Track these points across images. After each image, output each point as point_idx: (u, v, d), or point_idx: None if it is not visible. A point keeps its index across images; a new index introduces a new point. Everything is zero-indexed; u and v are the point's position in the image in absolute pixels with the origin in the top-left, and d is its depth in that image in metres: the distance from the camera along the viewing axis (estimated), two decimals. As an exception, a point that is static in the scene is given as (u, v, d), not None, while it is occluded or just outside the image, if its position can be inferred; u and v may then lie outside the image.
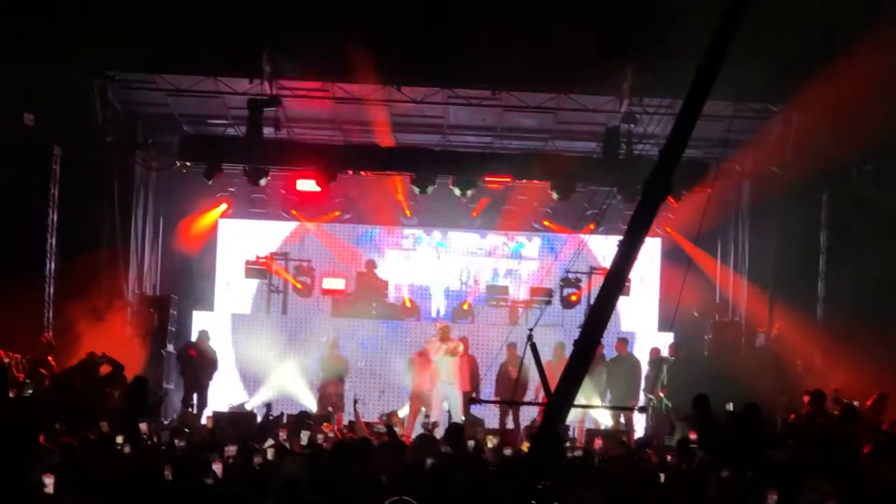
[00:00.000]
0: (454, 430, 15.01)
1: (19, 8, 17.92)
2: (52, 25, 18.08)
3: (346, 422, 19.63)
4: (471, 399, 19.38)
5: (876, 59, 16.51)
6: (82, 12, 18.09)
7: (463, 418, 19.09)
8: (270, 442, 14.02)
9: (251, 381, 22.52)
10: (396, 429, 17.98)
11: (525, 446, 14.66)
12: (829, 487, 10.07)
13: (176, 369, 21.53)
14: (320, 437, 15.69)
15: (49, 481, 9.79)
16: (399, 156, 21.82)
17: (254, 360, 22.55)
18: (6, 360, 16.39)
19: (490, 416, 21.16)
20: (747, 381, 18.74)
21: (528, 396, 20.30)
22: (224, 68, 19.86)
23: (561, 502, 10.02)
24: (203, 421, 18.57)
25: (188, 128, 22.60)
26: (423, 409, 20.36)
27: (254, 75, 19.87)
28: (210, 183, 22.10)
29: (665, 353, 21.09)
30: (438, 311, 24.68)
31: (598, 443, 16.16)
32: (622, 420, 19.90)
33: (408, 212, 24.51)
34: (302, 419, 17.38)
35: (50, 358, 17.46)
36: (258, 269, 23.96)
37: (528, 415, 20.18)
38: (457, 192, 21.91)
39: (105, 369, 16.51)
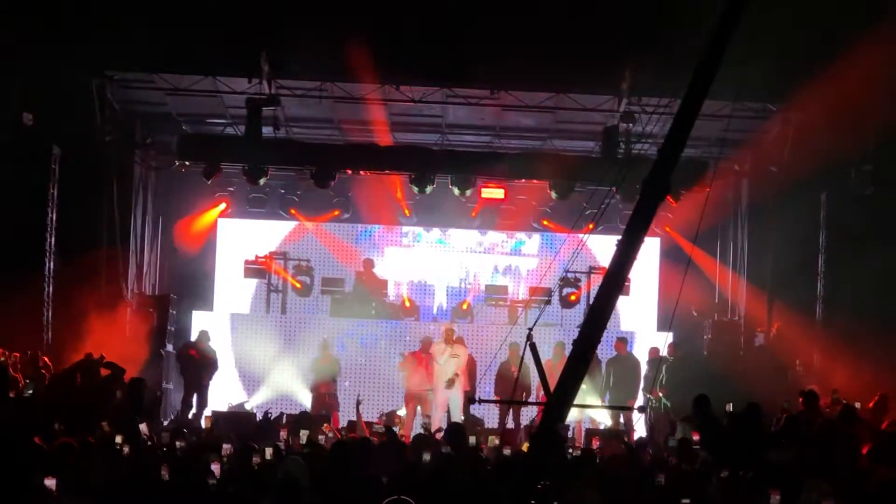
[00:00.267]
0: (454, 429, 15.00)
1: (18, 7, 17.91)
2: (51, 25, 18.07)
3: (343, 422, 19.65)
4: (470, 399, 19.37)
5: (875, 58, 16.51)
6: (81, 12, 18.09)
7: (462, 418, 19.09)
8: (270, 442, 14.01)
9: (250, 381, 22.53)
10: (396, 428, 18.01)
11: (525, 446, 14.65)
12: (828, 487, 10.07)
13: (175, 369, 21.53)
14: (320, 437, 15.69)
15: (50, 483, 9.79)
16: (398, 155, 21.83)
17: (253, 360, 22.56)
18: (4, 360, 16.38)
19: (490, 415, 21.17)
20: (746, 381, 18.76)
21: (530, 397, 20.32)
22: (223, 68, 19.88)
23: (560, 502, 10.02)
24: (202, 421, 18.57)
25: (187, 127, 22.60)
26: (419, 408, 20.40)
27: (252, 75, 19.89)
28: (209, 182, 22.12)
29: (664, 352, 21.09)
30: (438, 311, 24.69)
31: (597, 442, 16.15)
32: (621, 420, 19.90)
33: (406, 211, 24.51)
34: (301, 419, 17.39)
35: (46, 359, 17.45)
36: (257, 268, 23.96)
37: (529, 415, 20.19)
38: (456, 191, 21.93)
39: (104, 372, 16.49)
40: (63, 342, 18.90)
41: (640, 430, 19.59)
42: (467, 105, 21.11)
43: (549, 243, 25.10)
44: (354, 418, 19.38)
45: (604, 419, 20.16)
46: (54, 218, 20.08)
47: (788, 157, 20.94)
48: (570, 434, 18.05)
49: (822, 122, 18.57)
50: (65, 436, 12.14)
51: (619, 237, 7.65)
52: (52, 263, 19.96)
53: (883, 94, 17.45)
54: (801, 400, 15.65)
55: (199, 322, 22.57)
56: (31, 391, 15.58)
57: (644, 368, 20.99)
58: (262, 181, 21.60)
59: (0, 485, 9.86)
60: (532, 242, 25.34)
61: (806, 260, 21.21)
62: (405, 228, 25.14)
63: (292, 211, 24.57)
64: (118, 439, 13.08)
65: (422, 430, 17.48)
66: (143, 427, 14.15)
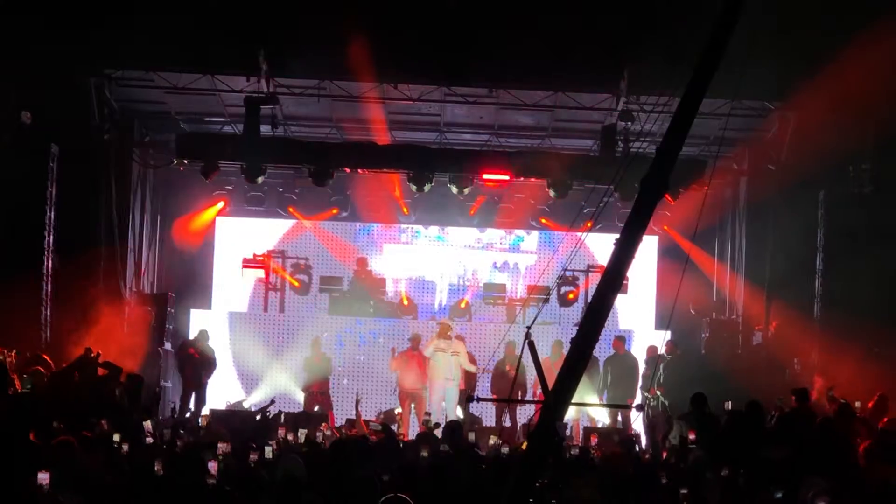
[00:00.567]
0: (452, 428, 15.02)
1: (17, 6, 17.90)
2: (49, 23, 18.06)
3: (339, 421, 19.69)
4: (468, 397, 19.39)
5: (874, 57, 16.52)
6: (80, 10, 18.08)
7: (459, 416, 19.10)
8: (269, 440, 14.02)
9: (248, 380, 22.54)
10: (395, 426, 18.02)
11: (524, 444, 14.66)
12: (825, 485, 10.08)
13: (174, 367, 21.53)
14: (318, 435, 15.71)
15: (43, 477, 9.78)
16: (396, 154, 21.82)
17: (251, 359, 22.57)
18: (2, 358, 16.36)
19: (487, 414, 21.19)
20: (744, 380, 18.79)
21: (526, 395, 20.33)
22: (221, 66, 19.88)
23: (559, 500, 10.03)
24: (200, 419, 18.57)
25: (185, 126, 22.60)
26: (414, 406, 20.41)
27: (251, 73, 19.89)
28: (207, 181, 22.12)
29: (662, 351, 21.10)
30: (436, 309, 24.70)
31: (595, 440, 16.18)
32: (619, 418, 19.91)
33: (405, 209, 24.52)
34: (300, 418, 17.41)
35: (47, 357, 17.43)
36: (255, 266, 23.97)
37: (526, 413, 20.21)
38: (454, 190, 21.93)
39: (101, 372, 16.47)
40: (62, 340, 18.88)
41: (637, 428, 19.61)
42: (466, 104, 21.11)
43: (548, 240, 25.13)
44: (353, 416, 19.44)
45: (602, 417, 20.19)
46: (53, 216, 20.06)
47: (787, 156, 20.95)
48: (567, 432, 18.08)
49: (820, 120, 18.57)
50: (63, 433, 12.14)
51: (618, 236, 7.65)
52: (50, 262, 19.94)
53: (881, 93, 17.46)
54: (793, 398, 15.64)
55: (198, 320, 22.58)
56: (29, 386, 15.52)
57: (642, 367, 21.00)
58: (260, 180, 21.61)
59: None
60: (531, 239, 25.36)
61: (804, 258, 21.21)
62: (404, 225, 25.16)
63: (290, 209, 24.59)
64: (116, 437, 13.08)
65: (423, 428, 17.47)
66: (146, 424, 14.16)
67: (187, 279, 24.15)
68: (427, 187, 21.68)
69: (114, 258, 21.26)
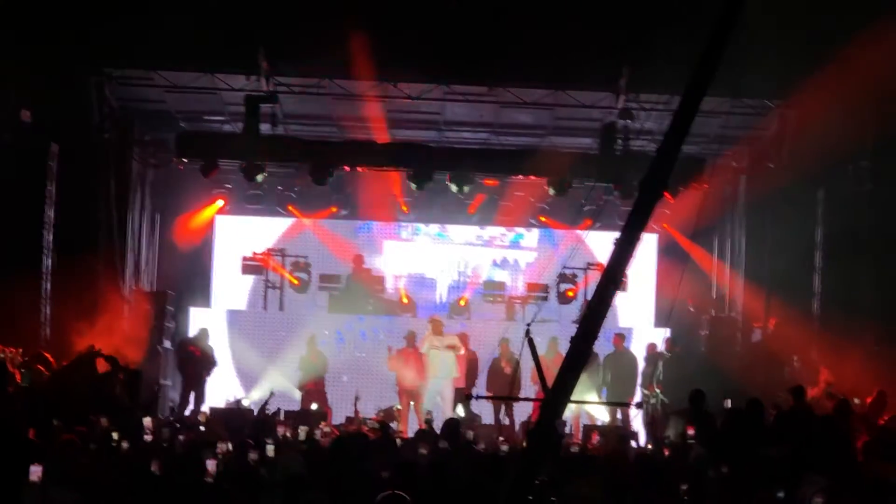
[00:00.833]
0: (451, 425, 15.04)
1: (17, 4, 17.91)
2: (49, 22, 18.07)
3: (336, 418, 19.72)
4: (467, 395, 19.40)
5: (873, 55, 16.53)
6: (80, 9, 18.08)
7: (450, 414, 19.12)
8: (270, 438, 14.03)
9: (248, 378, 22.55)
10: (394, 424, 18.05)
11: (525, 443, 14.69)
12: (824, 482, 10.10)
13: (173, 366, 21.55)
14: (317, 432, 15.72)
15: (36, 470, 9.79)
16: (395, 152, 21.83)
17: (250, 357, 22.58)
18: (2, 356, 16.38)
19: (485, 412, 21.20)
20: (743, 377, 18.81)
21: (520, 392, 20.32)
22: (221, 65, 19.88)
23: (559, 498, 10.05)
24: (199, 417, 18.59)
25: (185, 124, 22.60)
26: (412, 403, 20.43)
27: (251, 72, 19.90)
28: (207, 179, 22.12)
29: (661, 348, 21.13)
30: (436, 306, 24.70)
31: (595, 438, 16.20)
32: (619, 416, 19.93)
33: (404, 208, 24.53)
34: (300, 415, 17.43)
35: (48, 355, 17.45)
36: (255, 265, 23.98)
37: (524, 410, 20.23)
38: (453, 188, 21.94)
39: (102, 367, 16.49)
40: (61, 338, 18.89)
41: (637, 425, 19.63)
42: (465, 102, 21.12)
43: (549, 236, 25.15)
44: (351, 414, 19.46)
45: (601, 415, 20.20)
46: (52, 215, 20.08)
47: (786, 154, 20.96)
48: (567, 430, 18.09)
49: (820, 118, 18.58)
50: (64, 431, 12.16)
51: (617, 236, 7.67)
52: (50, 260, 19.96)
53: (881, 91, 17.48)
54: (790, 397, 15.63)
55: (197, 319, 22.60)
56: (27, 382, 15.52)
57: (641, 364, 21.02)
58: (259, 178, 21.62)
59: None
60: (531, 235, 25.37)
61: (803, 256, 21.24)
62: (403, 223, 25.17)
63: (290, 208, 24.59)
64: (115, 435, 13.10)
65: (423, 426, 17.48)
66: (146, 421, 14.17)
67: (187, 277, 24.15)
68: (427, 185, 21.70)
69: (113, 256, 21.27)
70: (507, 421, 20.33)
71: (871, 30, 16.44)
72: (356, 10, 17.96)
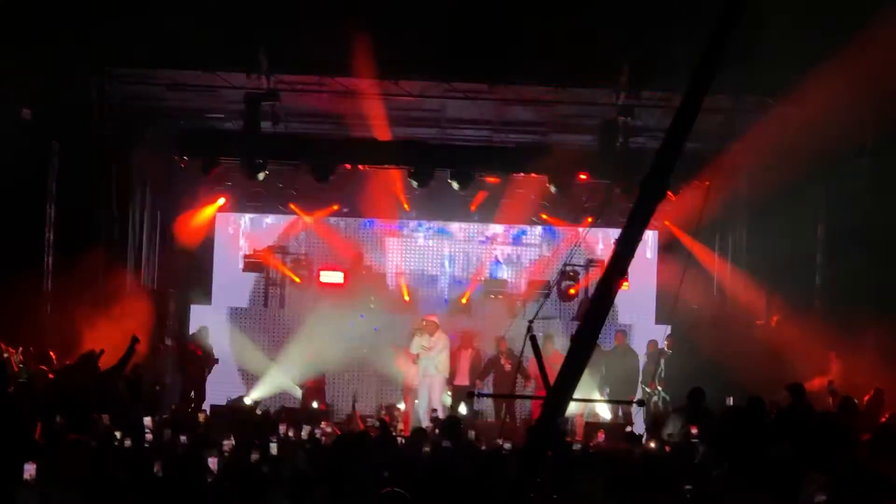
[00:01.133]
0: (452, 423, 15.05)
1: (17, 4, 17.89)
2: (49, 20, 18.06)
3: (337, 417, 19.74)
4: (469, 393, 19.41)
5: (874, 52, 16.50)
6: (80, 7, 18.07)
7: (437, 405, 19.16)
8: (272, 437, 14.04)
9: (249, 376, 22.57)
10: (397, 422, 18.05)
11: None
12: (827, 480, 10.10)
13: (173, 363, 21.55)
14: (317, 431, 15.73)
15: (30, 468, 9.79)
16: (397, 150, 21.83)
17: (252, 354, 22.60)
18: (6, 355, 16.38)
19: (486, 410, 21.21)
20: (744, 374, 18.78)
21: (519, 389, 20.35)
22: (222, 63, 19.85)
23: (561, 495, 10.05)
24: (200, 416, 18.60)
25: (186, 122, 22.59)
26: (417, 402, 20.45)
27: (251, 70, 19.89)
28: (208, 177, 22.12)
29: (662, 345, 21.13)
30: (437, 303, 24.71)
31: (600, 436, 16.22)
32: (620, 413, 19.94)
33: (406, 205, 24.52)
34: (302, 413, 17.43)
35: (52, 353, 17.47)
36: (256, 262, 23.99)
37: (524, 407, 20.26)
38: (455, 185, 21.93)
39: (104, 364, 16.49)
40: (62, 337, 18.89)
41: (638, 423, 19.64)
42: (466, 99, 21.11)
43: (552, 232, 25.13)
44: (350, 413, 19.47)
45: (604, 413, 20.21)
46: (53, 213, 20.08)
47: (788, 151, 20.93)
48: (569, 427, 18.10)
49: (821, 115, 18.55)
50: (67, 430, 12.17)
51: (619, 232, 7.66)
52: (51, 258, 19.96)
53: (882, 88, 17.45)
54: (788, 394, 15.61)
55: (198, 316, 22.61)
56: (25, 377, 15.52)
57: (643, 361, 21.03)
58: (261, 176, 21.62)
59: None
60: (534, 231, 25.36)
61: (804, 253, 21.22)
62: (405, 220, 25.16)
63: (291, 205, 24.59)
64: (117, 434, 13.10)
65: (430, 424, 17.48)
66: (146, 421, 14.17)
67: (188, 275, 24.16)
68: (428, 183, 21.70)
69: (114, 255, 21.27)
70: (507, 418, 20.34)
71: (873, 26, 16.42)
72: (357, 8, 17.94)
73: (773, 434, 13.61)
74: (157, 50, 18.95)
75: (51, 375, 16.09)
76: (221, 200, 24.55)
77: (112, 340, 18.08)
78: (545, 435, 7.36)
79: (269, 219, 24.95)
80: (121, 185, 21.36)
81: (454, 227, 25.23)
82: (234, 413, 18.27)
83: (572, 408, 18.23)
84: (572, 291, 23.52)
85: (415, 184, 21.87)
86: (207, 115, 22.39)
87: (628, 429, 17.81)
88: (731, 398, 16.07)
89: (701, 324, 23.00)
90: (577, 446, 14.56)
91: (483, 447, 14.67)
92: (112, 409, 14.62)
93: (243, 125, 20.84)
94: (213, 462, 11.49)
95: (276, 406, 19.97)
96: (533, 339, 7.99)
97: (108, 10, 17.97)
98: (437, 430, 15.62)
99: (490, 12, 18.20)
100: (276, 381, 21.96)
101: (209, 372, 21.00)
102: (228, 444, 12.68)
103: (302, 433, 14.89)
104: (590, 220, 21.96)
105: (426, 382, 20.26)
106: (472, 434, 15.56)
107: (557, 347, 19.16)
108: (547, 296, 22.66)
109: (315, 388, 21.09)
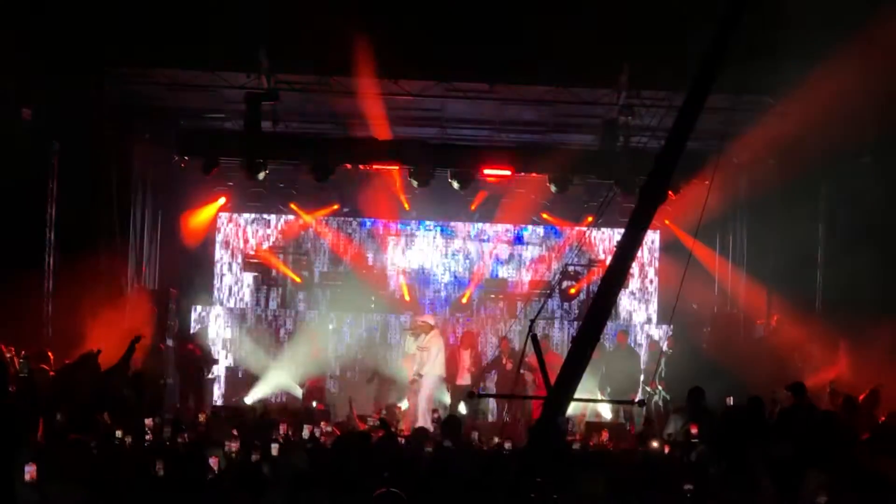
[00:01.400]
0: (452, 423, 15.04)
1: (17, 2, 17.89)
2: (49, 19, 18.05)
3: (336, 417, 19.74)
4: (470, 393, 19.40)
5: (875, 51, 16.50)
6: (80, 7, 18.07)
7: (424, 403, 19.18)
8: (273, 437, 14.04)
9: (249, 376, 22.57)
10: (399, 422, 18.04)
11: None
12: (827, 479, 10.10)
13: (174, 364, 21.55)
14: (317, 431, 15.72)
15: (30, 469, 9.78)
16: (397, 149, 21.83)
17: (252, 354, 22.60)
18: (8, 356, 16.37)
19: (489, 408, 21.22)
20: (745, 374, 18.78)
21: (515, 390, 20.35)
22: (222, 62, 19.85)
23: (561, 495, 10.03)
24: (201, 416, 18.59)
25: (186, 122, 22.59)
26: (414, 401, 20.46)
27: (251, 69, 19.89)
28: (208, 177, 22.13)
29: (663, 345, 21.13)
30: (438, 303, 24.72)
31: (605, 435, 16.22)
32: (621, 413, 19.94)
33: (406, 205, 24.53)
34: (303, 413, 17.44)
35: (51, 353, 17.46)
36: (257, 262, 24.00)
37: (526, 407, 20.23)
38: (455, 185, 21.93)
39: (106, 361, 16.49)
40: (63, 337, 18.89)
41: (638, 422, 19.64)
42: (466, 99, 21.11)
43: (553, 231, 25.14)
44: (348, 414, 19.46)
45: (605, 412, 20.21)
46: (53, 213, 20.08)
47: (788, 150, 20.93)
48: (570, 427, 18.09)
49: (822, 114, 18.54)
50: (68, 430, 12.17)
51: (620, 233, 7.66)
52: (51, 258, 19.95)
53: (883, 87, 17.44)
54: (789, 394, 15.60)
55: (199, 316, 22.62)
56: (24, 373, 15.48)
57: (644, 361, 21.03)
58: (261, 175, 21.63)
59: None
60: (535, 230, 25.37)
61: (805, 252, 21.20)
62: (405, 220, 25.17)
63: (292, 205, 24.60)
64: (118, 433, 13.10)
65: (434, 424, 17.48)
66: (147, 422, 14.17)
67: (189, 275, 24.18)
68: (428, 183, 21.70)
69: (115, 254, 21.26)
70: (508, 419, 20.33)
71: (874, 25, 16.40)
72: (357, 8, 17.94)
73: (774, 433, 13.61)
74: (157, 50, 18.95)
75: (52, 374, 16.08)
76: (222, 200, 24.57)
77: (113, 340, 18.09)
78: (546, 435, 7.36)
79: (270, 218, 24.95)
80: (121, 185, 21.36)
81: (454, 227, 25.23)
82: (234, 413, 18.26)
83: (574, 407, 18.28)
84: (573, 291, 23.53)
85: (415, 183, 21.87)
86: (207, 114, 22.40)
87: (631, 428, 17.82)
88: (732, 398, 16.04)
89: (701, 324, 23.01)
90: (577, 446, 14.55)
91: (484, 447, 14.66)
92: (113, 408, 14.61)
93: (243, 125, 20.83)
94: (213, 462, 11.48)
95: (277, 406, 19.97)
96: (534, 338, 7.99)
97: (108, 9, 17.96)
98: (437, 430, 15.62)
99: (490, 12, 18.19)
100: (276, 381, 21.96)
101: (208, 372, 21.01)
102: (232, 445, 12.65)
103: (302, 433, 14.88)
104: (590, 219, 21.94)
105: (421, 382, 20.25)
106: (474, 435, 15.54)
107: (554, 348, 19.20)
108: (549, 296, 22.67)
109: (315, 387, 21.10)
